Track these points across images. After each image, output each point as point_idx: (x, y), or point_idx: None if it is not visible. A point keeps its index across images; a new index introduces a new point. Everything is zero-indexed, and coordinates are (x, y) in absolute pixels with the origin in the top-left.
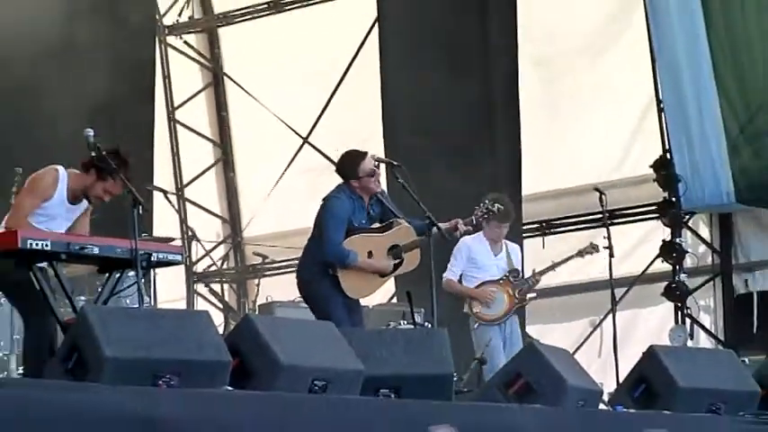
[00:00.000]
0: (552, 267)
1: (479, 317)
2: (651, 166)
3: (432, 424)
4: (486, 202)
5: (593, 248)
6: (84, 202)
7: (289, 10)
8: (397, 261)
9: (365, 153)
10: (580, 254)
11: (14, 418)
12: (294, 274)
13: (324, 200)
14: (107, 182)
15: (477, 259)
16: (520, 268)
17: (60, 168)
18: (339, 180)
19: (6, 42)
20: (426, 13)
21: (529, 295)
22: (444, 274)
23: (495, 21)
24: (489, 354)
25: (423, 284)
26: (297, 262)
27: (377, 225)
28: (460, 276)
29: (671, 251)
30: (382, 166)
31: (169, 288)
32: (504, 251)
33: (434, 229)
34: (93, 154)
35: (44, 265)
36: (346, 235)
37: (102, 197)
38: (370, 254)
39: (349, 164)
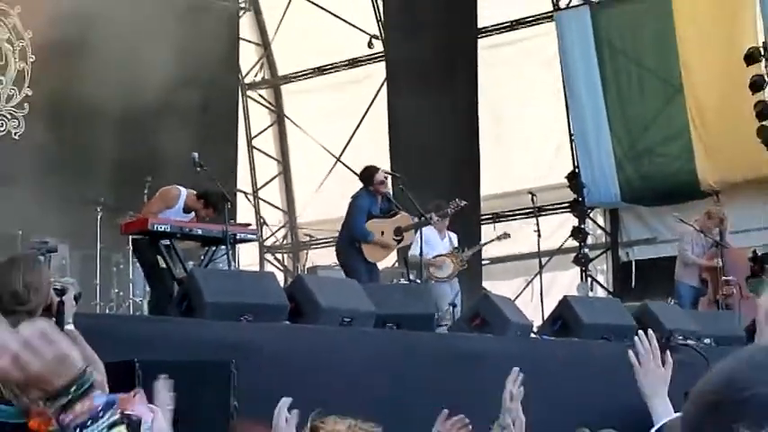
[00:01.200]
0: (480, 247)
1: (435, 276)
2: (566, 177)
3: (420, 347)
4: (456, 200)
5: (506, 236)
6: (192, 214)
7: (328, 73)
8: (399, 238)
9: (378, 168)
10: (498, 238)
11: (149, 340)
12: (330, 248)
13: (352, 197)
14: (208, 210)
15: (430, 241)
16: (456, 245)
17: (183, 189)
18: (361, 185)
19: (141, 94)
20: (419, 74)
21: (464, 257)
22: (410, 252)
23: (463, 79)
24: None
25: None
26: (333, 240)
27: (385, 215)
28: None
29: (578, 233)
30: (389, 176)
31: (247, 257)
32: (447, 237)
33: (423, 218)
34: (198, 169)
35: (167, 241)
36: (366, 220)
37: (203, 218)
38: (382, 233)
39: (367, 174)
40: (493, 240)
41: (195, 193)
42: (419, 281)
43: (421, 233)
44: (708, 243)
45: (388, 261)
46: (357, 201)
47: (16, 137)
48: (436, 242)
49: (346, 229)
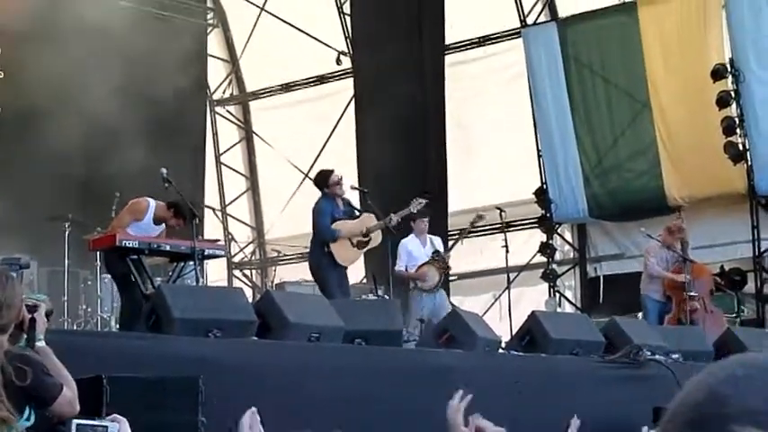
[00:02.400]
0: (457, 241)
1: (424, 288)
2: (534, 193)
3: (389, 363)
4: (417, 198)
5: (479, 218)
6: (163, 225)
7: (296, 89)
8: (366, 239)
9: (331, 170)
10: (472, 224)
11: (115, 356)
12: (298, 264)
13: (313, 206)
14: (178, 219)
15: (412, 252)
16: (441, 250)
17: (151, 200)
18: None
19: (109, 110)
20: (386, 90)
21: (446, 257)
22: (395, 268)
23: (431, 94)
24: (431, 314)
25: (384, 271)
26: (301, 255)
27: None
28: (405, 267)
29: (546, 249)
30: (345, 184)
31: (215, 273)
32: (429, 243)
33: (387, 229)
34: (166, 184)
35: (135, 257)
36: (330, 224)
37: (173, 227)
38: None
39: (321, 178)
40: (468, 230)
41: (165, 203)
42: (387, 296)
43: (388, 248)
44: (672, 258)
45: (356, 276)
46: (318, 206)
47: None
48: (419, 253)
49: (314, 239)
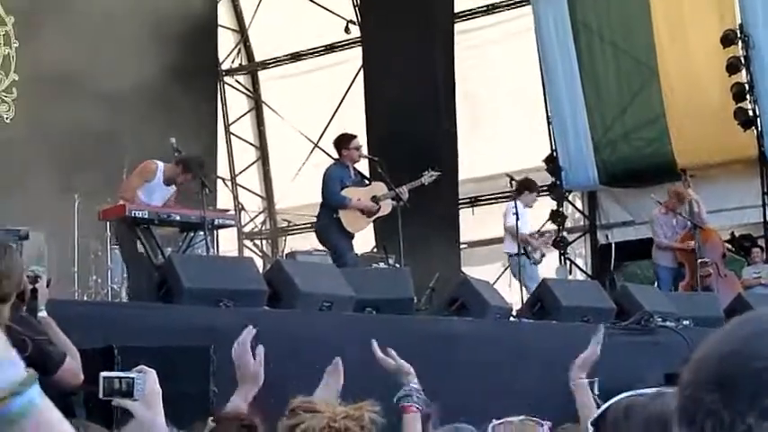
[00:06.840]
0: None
1: (533, 257)
2: (543, 161)
3: (400, 331)
4: (429, 170)
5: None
6: (173, 186)
7: (305, 59)
8: (377, 207)
9: (355, 135)
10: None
11: (128, 326)
12: (309, 233)
13: (325, 170)
14: (187, 174)
15: (524, 217)
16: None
17: (159, 162)
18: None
19: (119, 80)
20: (395, 58)
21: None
22: (506, 222)
23: (440, 62)
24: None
25: (395, 240)
26: (311, 225)
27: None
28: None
29: (557, 216)
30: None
31: (226, 243)
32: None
33: (399, 201)
34: (176, 154)
35: (145, 227)
36: (340, 190)
37: (183, 183)
38: (358, 199)
39: (343, 140)
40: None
41: (173, 162)
42: (398, 265)
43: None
44: (680, 223)
45: (366, 245)
46: (328, 171)
47: (8, 120)
48: (529, 218)
49: (323, 204)
